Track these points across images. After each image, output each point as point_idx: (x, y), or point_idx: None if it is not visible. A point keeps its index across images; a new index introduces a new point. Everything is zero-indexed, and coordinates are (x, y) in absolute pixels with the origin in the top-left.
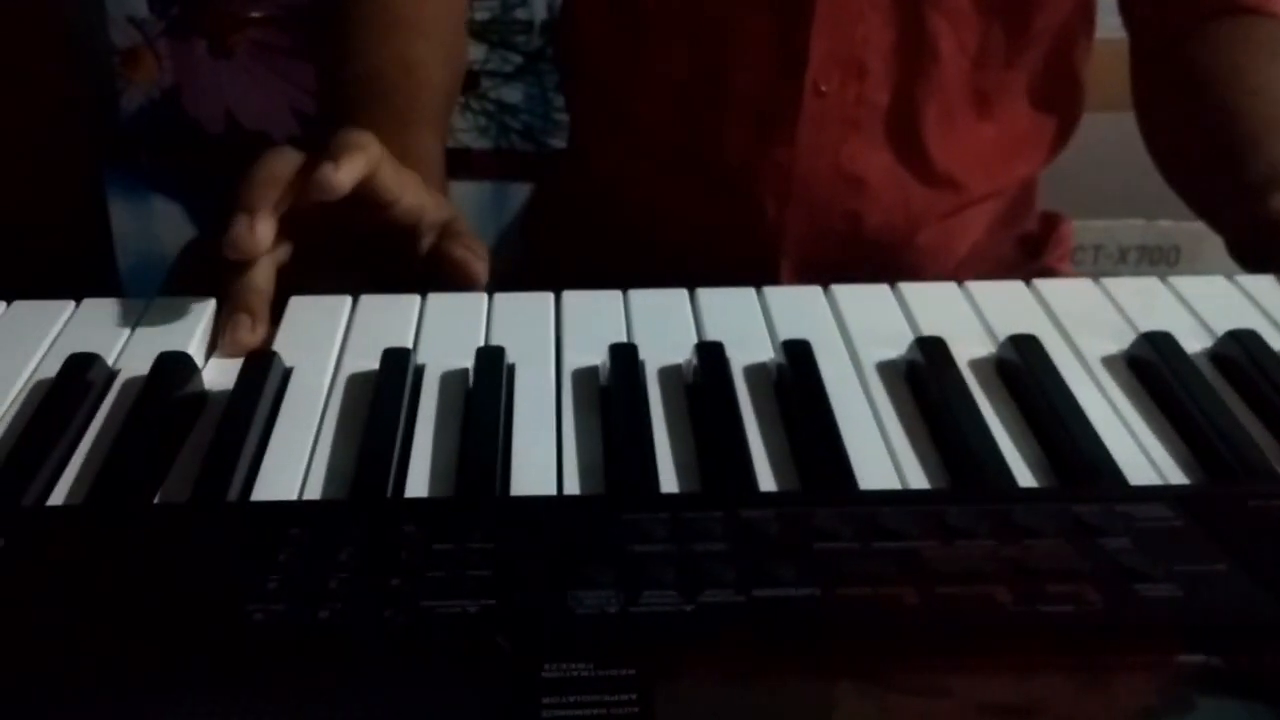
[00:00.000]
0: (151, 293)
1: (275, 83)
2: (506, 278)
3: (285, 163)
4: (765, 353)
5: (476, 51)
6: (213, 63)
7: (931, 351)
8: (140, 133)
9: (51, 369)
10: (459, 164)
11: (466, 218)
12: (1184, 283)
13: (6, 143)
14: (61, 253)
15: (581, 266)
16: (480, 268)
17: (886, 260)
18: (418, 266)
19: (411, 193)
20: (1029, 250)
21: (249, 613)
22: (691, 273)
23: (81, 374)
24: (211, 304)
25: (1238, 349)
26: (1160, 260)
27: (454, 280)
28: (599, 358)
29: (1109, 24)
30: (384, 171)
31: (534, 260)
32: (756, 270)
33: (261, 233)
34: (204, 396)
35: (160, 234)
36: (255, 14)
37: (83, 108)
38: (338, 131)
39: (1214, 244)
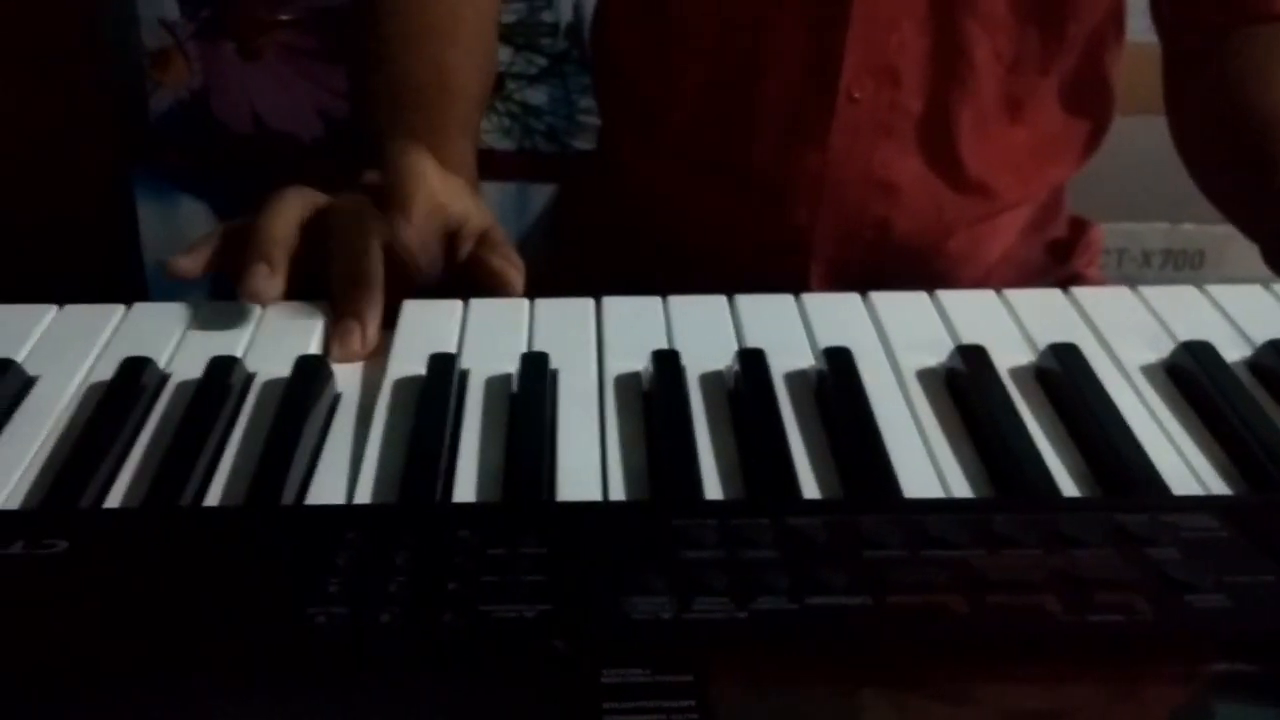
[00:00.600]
0: (176, 293)
1: (302, 85)
2: (533, 279)
3: (289, 216)
4: (804, 359)
5: (502, 54)
6: (241, 65)
7: (973, 359)
8: (169, 134)
9: (105, 372)
10: (482, 165)
11: None
12: (1221, 291)
13: (37, 142)
14: (90, 252)
15: (610, 268)
16: (516, 278)
17: (917, 266)
18: (455, 270)
19: (459, 201)
20: (1058, 255)
21: (311, 615)
22: (721, 276)
23: (135, 378)
24: (258, 308)
25: (1277, 358)
26: (1184, 264)
27: (489, 289)
28: (640, 363)
29: (1134, 27)
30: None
31: (562, 261)
32: (786, 275)
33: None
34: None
35: (187, 234)
36: (283, 17)
37: (113, 108)
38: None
39: (1239, 248)
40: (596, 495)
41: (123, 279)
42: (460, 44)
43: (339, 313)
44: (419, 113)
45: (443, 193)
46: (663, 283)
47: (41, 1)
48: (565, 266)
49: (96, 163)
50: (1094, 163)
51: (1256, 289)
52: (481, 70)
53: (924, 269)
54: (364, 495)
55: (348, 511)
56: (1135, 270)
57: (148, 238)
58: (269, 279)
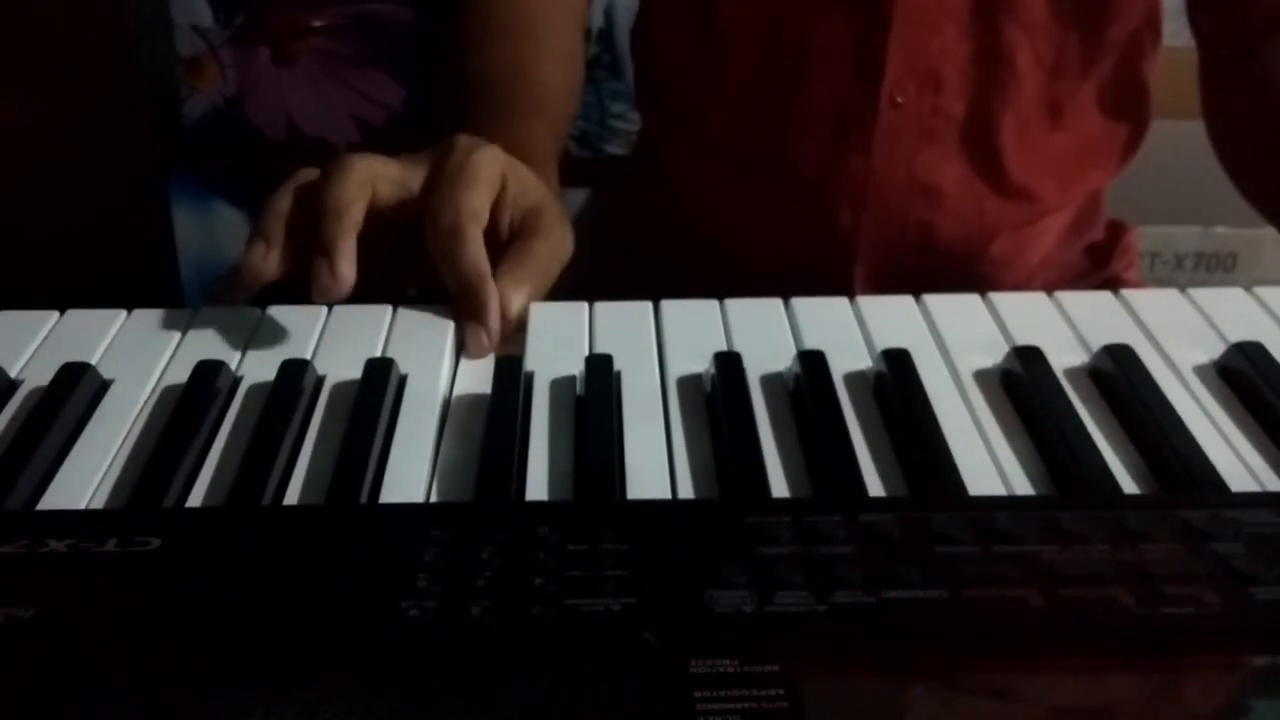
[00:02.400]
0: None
1: (336, 90)
2: (573, 282)
3: (354, 186)
4: (862, 361)
5: None
6: (275, 71)
7: (1029, 360)
8: (203, 140)
9: (177, 375)
10: None
11: None
12: (1269, 293)
13: (72, 149)
14: (126, 257)
15: (653, 272)
16: (483, 336)
17: (959, 269)
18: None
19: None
20: (1096, 259)
21: (404, 609)
22: (765, 279)
23: (210, 381)
24: (323, 312)
25: None
26: (1217, 267)
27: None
28: (700, 365)
29: (1168, 31)
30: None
31: (604, 265)
32: (830, 278)
33: (344, 274)
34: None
35: (222, 240)
36: (318, 23)
37: (147, 115)
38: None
39: (1271, 250)
40: (666, 494)
41: (159, 284)
42: (539, 41)
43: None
44: (489, 97)
45: (509, 167)
46: (706, 286)
47: (75, 9)
48: (607, 270)
49: (131, 169)
50: (1128, 167)
51: None
52: (562, 63)
53: (967, 272)
54: (439, 494)
55: (430, 510)
56: (1168, 273)
57: (183, 243)
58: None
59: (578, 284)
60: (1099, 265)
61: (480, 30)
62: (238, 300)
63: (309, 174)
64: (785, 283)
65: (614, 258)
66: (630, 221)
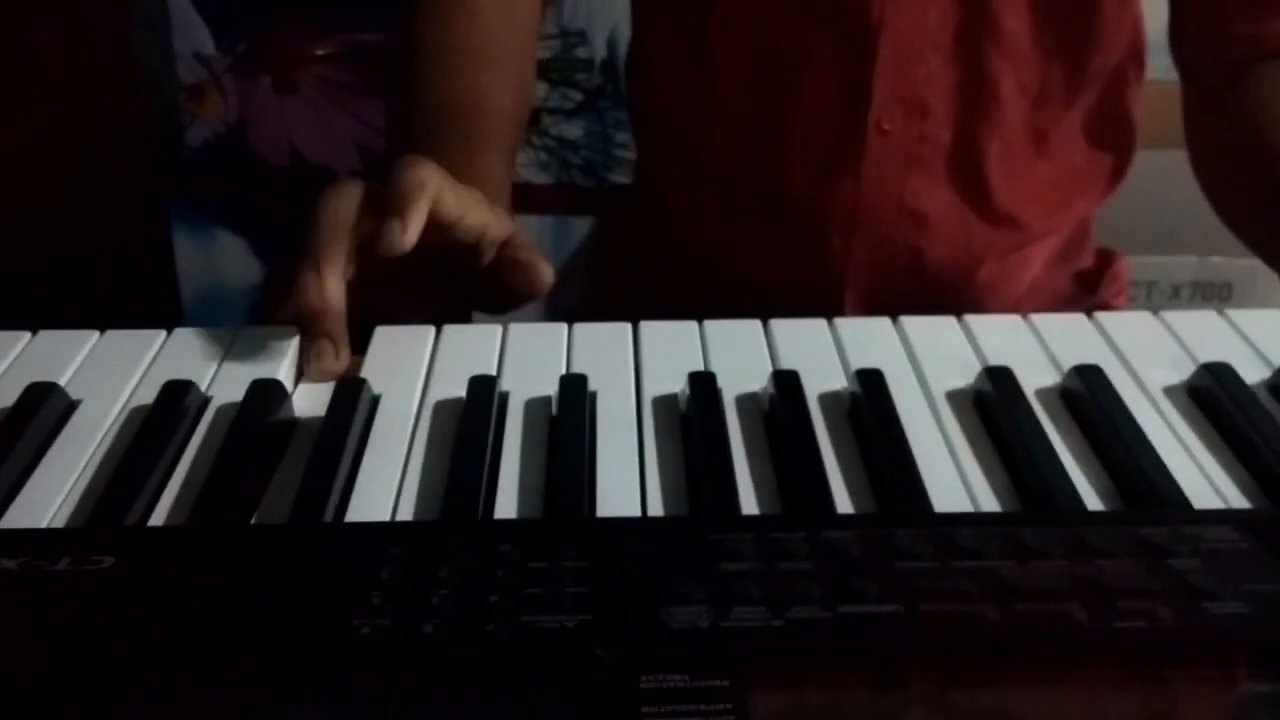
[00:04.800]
0: (213, 323)
1: (338, 118)
2: (574, 308)
3: (349, 203)
4: (838, 381)
5: (538, 89)
6: (277, 98)
7: (1000, 380)
8: (205, 167)
9: (146, 396)
10: (521, 198)
11: None
12: (1241, 316)
13: (76, 175)
14: (127, 283)
15: (650, 297)
16: (545, 269)
17: (949, 294)
18: (480, 279)
19: (474, 211)
20: (1085, 286)
21: (355, 627)
22: (758, 304)
23: (178, 400)
24: (294, 332)
25: None
26: (1213, 296)
27: (520, 284)
28: (677, 385)
29: (1163, 64)
30: (445, 197)
31: (602, 291)
32: (822, 302)
33: (331, 289)
34: (295, 422)
35: (223, 267)
36: (319, 51)
37: (149, 142)
38: (399, 166)
39: (1266, 280)
40: (636, 512)
41: (160, 311)
42: (494, 66)
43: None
44: (447, 128)
45: (455, 204)
46: (701, 311)
47: (79, 37)
48: (605, 297)
49: (133, 195)
50: (1124, 196)
51: (1275, 313)
52: (516, 91)
53: (955, 297)
54: (407, 513)
55: (391, 528)
56: (1164, 302)
57: (184, 270)
58: (334, 358)
59: (579, 309)
60: (1088, 292)
61: (437, 55)
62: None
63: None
64: (778, 307)
65: (614, 283)
66: (629, 247)
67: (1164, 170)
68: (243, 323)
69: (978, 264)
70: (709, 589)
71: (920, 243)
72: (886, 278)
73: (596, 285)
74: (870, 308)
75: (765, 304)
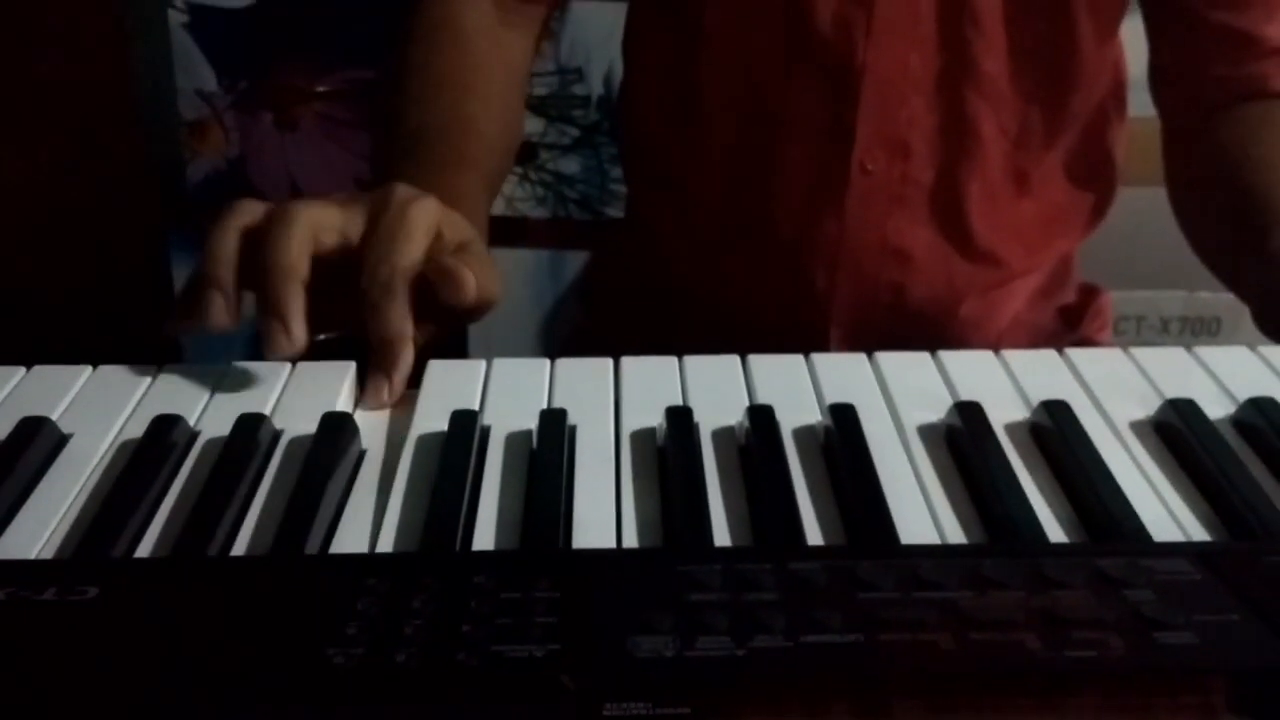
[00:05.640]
0: (212, 356)
1: (338, 154)
2: (566, 341)
3: (299, 247)
4: (813, 415)
5: (535, 125)
6: (278, 135)
7: (969, 416)
8: (206, 201)
9: (136, 430)
10: (518, 232)
11: (525, 285)
12: (1209, 353)
13: (78, 210)
14: (127, 317)
15: (638, 331)
16: (466, 276)
17: (931, 330)
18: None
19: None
20: (1068, 321)
21: (330, 656)
22: (744, 340)
23: (166, 435)
24: (286, 368)
25: (1258, 415)
26: (1202, 331)
27: (445, 294)
28: (656, 419)
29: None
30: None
31: (592, 325)
32: (807, 338)
33: (297, 335)
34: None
35: None
36: (320, 88)
37: (151, 176)
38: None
39: None
40: (611, 544)
41: (159, 344)
42: (480, 95)
43: (374, 367)
44: (425, 149)
45: (443, 215)
46: (689, 344)
47: (82, 73)
48: (596, 330)
49: (135, 230)
50: (1114, 232)
51: (1242, 350)
52: (501, 121)
53: (938, 333)
54: (387, 545)
55: (369, 560)
56: (1154, 337)
57: None
58: (287, 339)
59: (570, 343)
60: (1071, 327)
61: (423, 82)
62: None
63: (248, 211)
64: (765, 341)
65: (604, 316)
66: (618, 281)
67: (1153, 206)
68: (241, 354)
69: (959, 300)
70: (675, 619)
71: (903, 280)
72: (870, 313)
73: (587, 317)
74: (855, 342)
75: (752, 338)
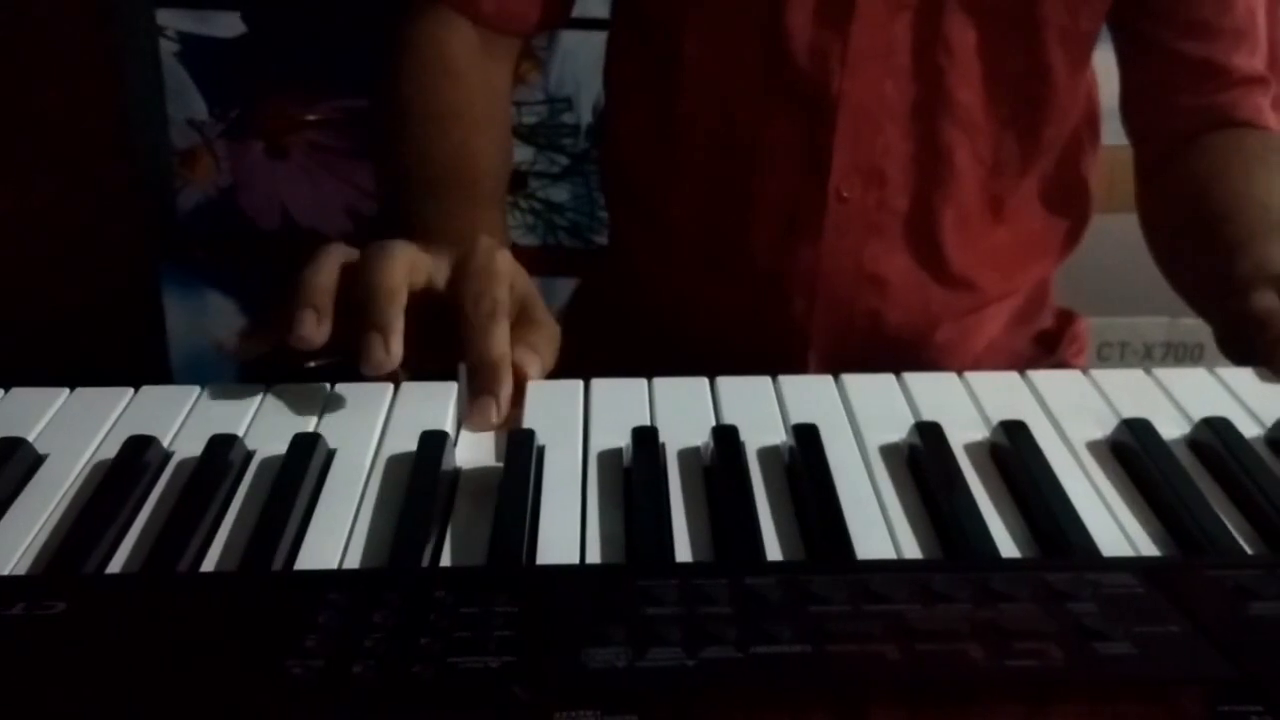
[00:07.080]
0: (202, 383)
1: (329, 182)
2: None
3: (401, 269)
4: (778, 436)
5: (525, 153)
6: (269, 163)
7: (929, 435)
8: (197, 229)
9: (111, 450)
10: None
11: None
12: (1167, 374)
13: (68, 238)
14: (117, 345)
15: (621, 357)
16: (536, 362)
17: (907, 355)
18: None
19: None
20: (1045, 346)
21: (289, 667)
22: (725, 363)
23: (139, 455)
24: (260, 390)
25: (1212, 435)
26: (1185, 357)
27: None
28: (624, 440)
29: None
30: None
31: (577, 350)
32: (786, 364)
33: (395, 350)
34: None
35: (212, 328)
36: (311, 117)
37: (142, 205)
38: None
39: None
40: (574, 560)
41: (149, 371)
42: (480, 128)
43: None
44: (447, 190)
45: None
46: (669, 371)
47: (73, 102)
48: (579, 355)
49: (125, 258)
50: (1097, 259)
51: (1200, 372)
52: (502, 150)
53: (915, 358)
54: (354, 562)
55: (333, 575)
56: (1137, 362)
57: (174, 332)
58: (385, 351)
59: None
60: (1048, 351)
61: (425, 119)
62: (254, 353)
63: (341, 253)
64: (744, 366)
65: (591, 344)
66: (603, 309)
67: (1136, 233)
68: (232, 381)
69: (935, 326)
70: (629, 631)
71: (879, 306)
72: (847, 340)
73: (572, 343)
74: (832, 367)
75: (732, 364)
